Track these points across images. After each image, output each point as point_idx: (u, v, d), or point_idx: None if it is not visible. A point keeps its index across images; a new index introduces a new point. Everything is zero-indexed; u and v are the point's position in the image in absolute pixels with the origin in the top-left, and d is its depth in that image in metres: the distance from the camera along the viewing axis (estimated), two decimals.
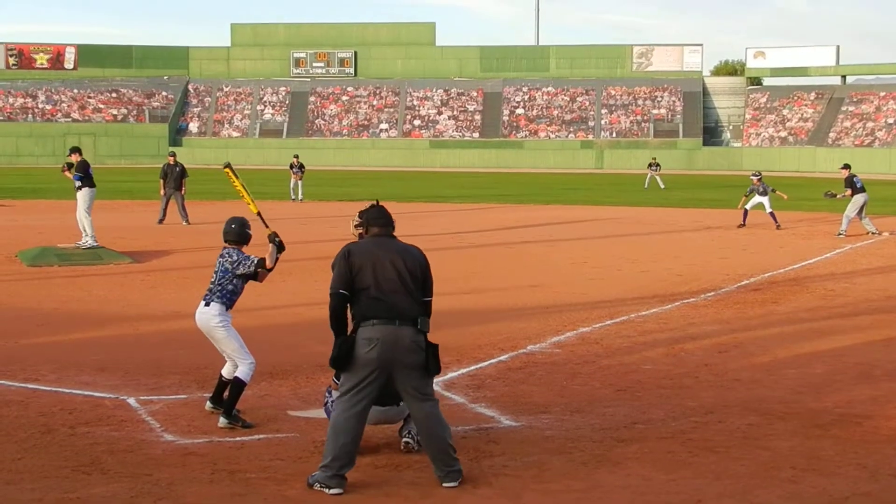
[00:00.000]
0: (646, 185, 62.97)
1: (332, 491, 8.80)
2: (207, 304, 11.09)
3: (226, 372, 11.30)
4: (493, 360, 14.26)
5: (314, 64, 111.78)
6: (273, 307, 17.80)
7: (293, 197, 48.73)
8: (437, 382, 12.68)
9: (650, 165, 65.02)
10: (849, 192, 32.88)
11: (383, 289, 8.95)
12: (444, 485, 8.96)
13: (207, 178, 55.68)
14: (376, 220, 9.36)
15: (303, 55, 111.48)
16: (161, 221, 34.76)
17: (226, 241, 11.29)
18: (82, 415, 11.30)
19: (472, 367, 13.77)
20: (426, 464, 9.24)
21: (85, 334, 15.76)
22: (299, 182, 49.21)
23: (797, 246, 29.84)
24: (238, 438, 10.46)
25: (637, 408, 11.78)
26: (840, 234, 32.17)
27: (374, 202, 9.55)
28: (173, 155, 37.07)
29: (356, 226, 9.38)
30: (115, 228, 31.61)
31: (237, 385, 11.00)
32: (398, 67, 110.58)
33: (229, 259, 11.07)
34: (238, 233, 11.27)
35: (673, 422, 11.17)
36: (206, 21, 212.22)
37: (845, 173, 33.38)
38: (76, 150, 27.32)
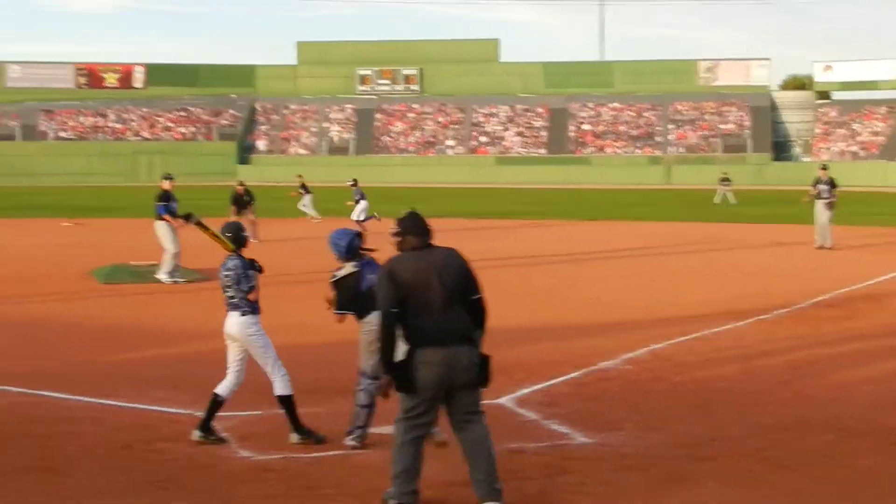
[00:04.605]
0: (717, 201, 62.51)
1: None
2: (243, 315, 11.14)
3: (223, 391, 11.26)
4: (565, 377, 14.19)
5: (379, 81, 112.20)
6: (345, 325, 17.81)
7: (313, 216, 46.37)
8: (510, 399, 12.68)
9: (721, 181, 64.54)
10: None
11: (433, 309, 8.79)
12: None
13: (276, 195, 55.95)
14: (412, 229, 9.11)
15: (368, 72, 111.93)
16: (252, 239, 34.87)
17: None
18: (159, 431, 11.39)
19: (545, 384, 13.72)
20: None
21: (159, 351, 15.88)
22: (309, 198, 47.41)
23: (872, 262, 29.45)
24: (313, 454, 10.49)
25: (712, 425, 11.68)
26: None
27: (411, 210, 9.33)
28: (242, 184, 37.43)
29: (393, 234, 9.27)
30: (187, 246, 31.84)
31: (286, 400, 11.08)
32: (463, 84, 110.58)
33: (236, 272, 11.11)
34: (234, 238, 11.34)
35: (749, 439, 11.07)
36: (272, 39, 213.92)
37: None
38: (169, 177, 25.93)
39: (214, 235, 11.45)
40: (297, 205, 47.91)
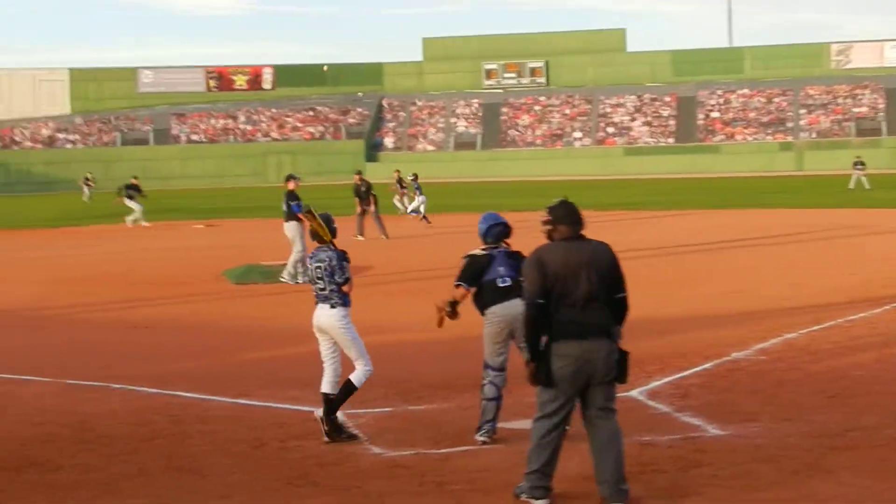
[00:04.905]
0: (851, 186, 61.28)
1: (539, 502, 8.79)
2: (333, 307, 11.20)
3: (329, 388, 11.29)
4: (697, 368, 14.05)
5: (505, 75, 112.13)
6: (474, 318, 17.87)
7: (412, 212, 45.89)
8: (641, 392, 12.59)
9: (855, 165, 63.26)
10: None
11: (576, 302, 8.68)
12: None
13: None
14: (564, 218, 8.93)
15: (494, 67, 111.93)
16: (358, 236, 35.16)
17: (314, 240, 11.51)
18: (292, 429, 11.54)
19: (677, 376, 13.60)
20: (631, 478, 9.09)
21: (290, 350, 16.05)
22: (405, 197, 47.81)
23: None
24: (443, 450, 10.53)
25: (848, 414, 11.46)
26: None
27: (563, 198, 9.15)
28: (359, 173, 37.93)
29: (544, 223, 9.17)
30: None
31: (348, 388, 11.14)
32: (589, 75, 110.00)
33: (327, 263, 11.17)
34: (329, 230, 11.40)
35: (887, 429, 10.84)
36: (398, 37, 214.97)
37: None
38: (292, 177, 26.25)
39: (320, 225, 11.52)
40: (392, 200, 48.17)
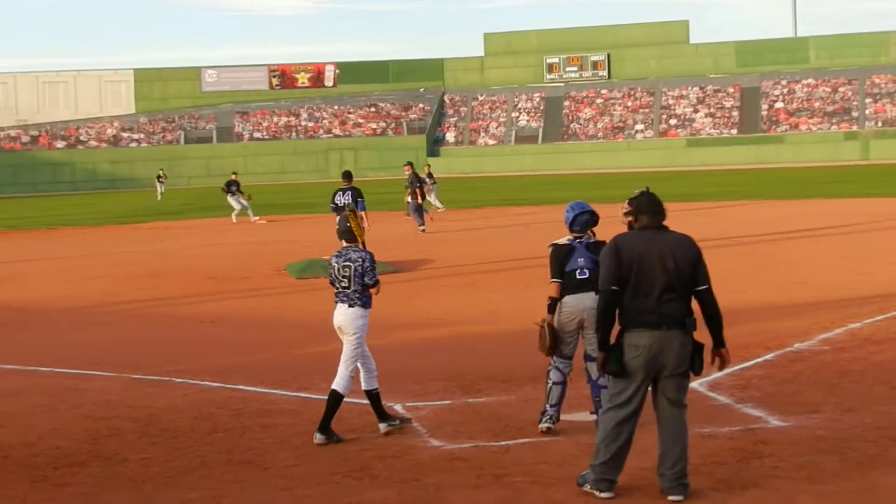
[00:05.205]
0: None
1: (603, 495, 8.71)
2: (352, 307, 11.18)
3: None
4: (758, 360, 13.96)
5: (567, 68, 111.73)
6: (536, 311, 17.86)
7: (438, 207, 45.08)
8: (701, 384, 12.51)
9: None
10: None
11: (652, 292, 8.64)
12: (671, 497, 8.64)
13: (466, 186, 56.36)
14: (647, 208, 8.88)
15: (556, 60, 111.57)
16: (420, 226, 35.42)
17: (342, 239, 11.39)
18: (350, 422, 11.58)
19: (738, 367, 13.47)
20: (692, 469, 9.03)
21: None
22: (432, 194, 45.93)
23: None
24: (503, 443, 10.52)
25: None
26: None
27: (645, 189, 9.09)
28: (409, 164, 38.58)
29: (625, 213, 9.10)
30: (378, 240, 32.29)
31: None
32: (652, 67, 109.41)
33: (359, 264, 11.11)
34: (352, 229, 11.36)
35: None
36: (459, 32, 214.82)
37: None
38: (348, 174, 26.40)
39: (358, 226, 11.52)
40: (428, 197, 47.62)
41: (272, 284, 23.81)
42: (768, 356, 14.13)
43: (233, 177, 47.00)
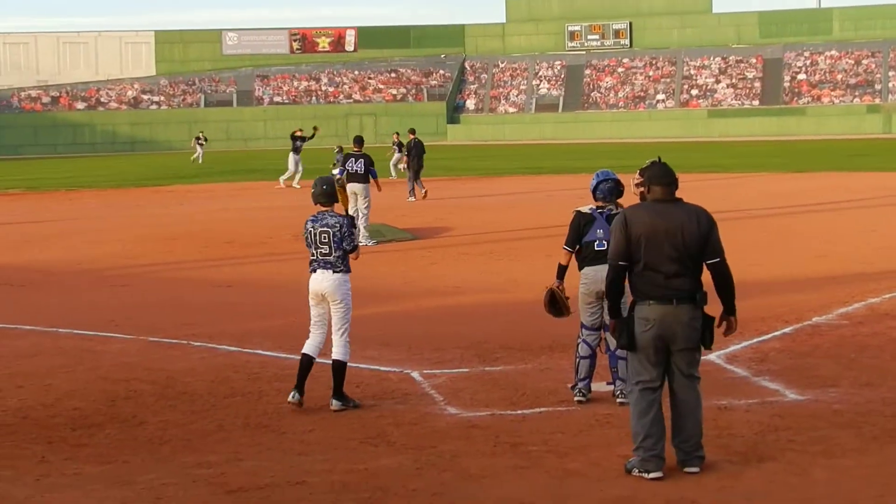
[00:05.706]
0: None
1: (652, 475, 8.53)
2: (336, 273, 11.06)
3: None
4: (776, 333, 13.92)
5: (589, 36, 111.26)
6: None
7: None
8: (719, 356, 12.50)
9: None
10: None
11: (661, 265, 8.54)
12: (687, 469, 8.62)
13: (485, 154, 56.29)
14: (659, 179, 8.73)
15: (577, 28, 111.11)
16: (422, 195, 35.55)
17: (318, 203, 11.27)
18: (369, 388, 11.62)
19: (755, 340, 13.47)
20: (707, 441, 9.01)
21: (369, 310, 16.08)
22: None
23: None
24: (520, 411, 10.54)
25: None
26: None
27: (657, 159, 8.99)
28: (412, 132, 39.08)
29: (637, 184, 9.01)
30: (397, 207, 32.30)
31: (340, 366, 11.01)
32: (674, 37, 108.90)
33: (337, 230, 10.99)
34: (330, 193, 11.27)
35: None
36: None
37: None
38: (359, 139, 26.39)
39: (346, 197, 11.48)
40: (389, 163, 47.03)
41: (289, 249, 23.80)
42: (786, 329, 14.10)
43: (298, 132, 45.27)
